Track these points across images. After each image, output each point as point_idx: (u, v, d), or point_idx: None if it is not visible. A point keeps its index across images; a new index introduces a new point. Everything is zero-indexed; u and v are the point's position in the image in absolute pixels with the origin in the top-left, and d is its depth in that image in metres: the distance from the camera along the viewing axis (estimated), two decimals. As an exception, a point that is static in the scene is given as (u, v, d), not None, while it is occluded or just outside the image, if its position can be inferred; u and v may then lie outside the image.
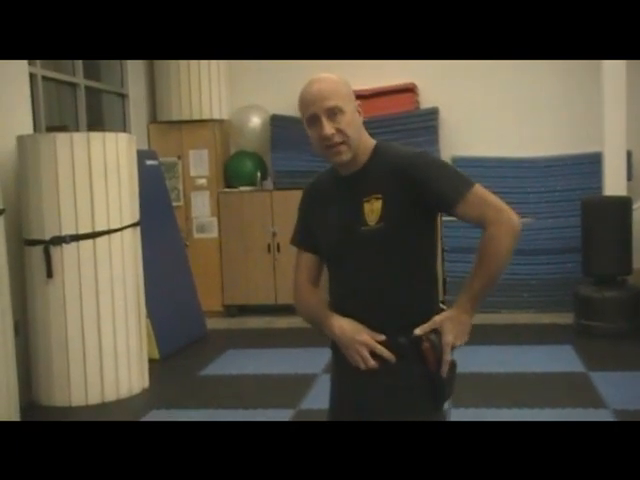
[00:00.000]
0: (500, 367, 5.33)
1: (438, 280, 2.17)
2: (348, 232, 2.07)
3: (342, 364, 2.13)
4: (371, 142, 2.12)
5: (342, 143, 2.03)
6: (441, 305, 2.14)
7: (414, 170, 2.02)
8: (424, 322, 2.03)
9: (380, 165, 2.07)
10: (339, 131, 2.01)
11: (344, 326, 2.08)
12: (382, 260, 2.05)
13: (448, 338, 2.00)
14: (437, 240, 2.16)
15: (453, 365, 2.05)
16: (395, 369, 2.04)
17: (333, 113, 2.01)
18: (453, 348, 2.01)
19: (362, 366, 2.05)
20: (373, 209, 2.03)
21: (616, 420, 4.17)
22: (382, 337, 2.04)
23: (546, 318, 6.80)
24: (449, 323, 2.01)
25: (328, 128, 2.01)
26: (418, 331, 2.01)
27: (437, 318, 2.02)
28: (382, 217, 2.02)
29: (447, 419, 2.17)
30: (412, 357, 2.01)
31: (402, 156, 2.07)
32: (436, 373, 2.01)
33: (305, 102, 2.05)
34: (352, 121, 2.04)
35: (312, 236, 2.19)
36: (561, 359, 5.52)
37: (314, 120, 2.03)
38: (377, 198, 2.03)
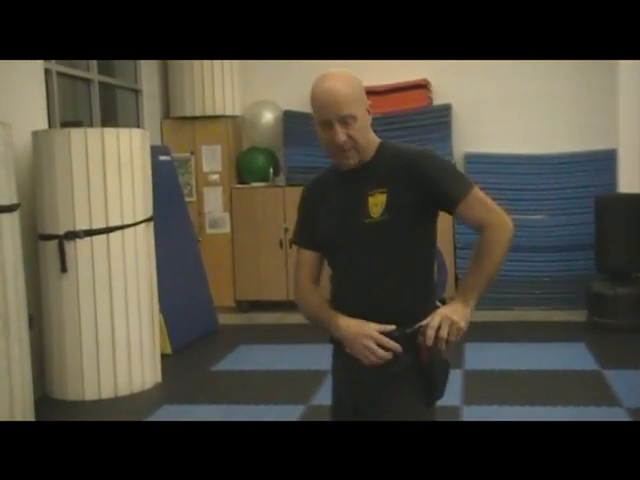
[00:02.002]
0: (512, 364, 5.31)
1: (434, 278, 2.21)
2: (351, 224, 2.11)
3: (341, 356, 2.16)
4: (376, 140, 2.17)
5: (351, 149, 2.09)
6: (437, 303, 2.16)
7: (419, 167, 2.08)
8: (421, 315, 2.04)
9: (385, 161, 2.12)
10: (350, 137, 2.07)
11: (350, 323, 2.09)
12: (385, 251, 2.10)
13: (443, 333, 2.01)
14: (435, 240, 2.21)
15: (446, 365, 2.07)
16: (391, 360, 2.05)
17: (346, 122, 2.05)
18: (448, 343, 2.02)
19: (372, 359, 2.04)
20: (377, 202, 2.08)
21: (630, 418, 4.15)
22: (391, 327, 2.05)
23: (559, 315, 6.78)
24: (446, 320, 2.01)
25: (341, 135, 2.06)
26: (417, 325, 2.03)
27: (436, 315, 2.03)
28: (386, 210, 2.07)
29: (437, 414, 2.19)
30: (409, 349, 2.04)
31: (407, 153, 2.13)
32: (427, 367, 2.04)
33: (318, 104, 2.08)
34: (363, 126, 2.09)
35: (313, 233, 2.24)
36: (574, 356, 5.50)
37: (327, 125, 2.07)
38: (382, 192, 2.08)
